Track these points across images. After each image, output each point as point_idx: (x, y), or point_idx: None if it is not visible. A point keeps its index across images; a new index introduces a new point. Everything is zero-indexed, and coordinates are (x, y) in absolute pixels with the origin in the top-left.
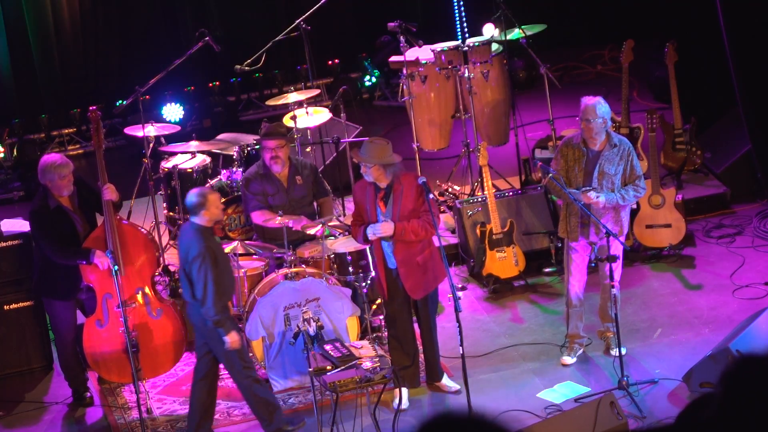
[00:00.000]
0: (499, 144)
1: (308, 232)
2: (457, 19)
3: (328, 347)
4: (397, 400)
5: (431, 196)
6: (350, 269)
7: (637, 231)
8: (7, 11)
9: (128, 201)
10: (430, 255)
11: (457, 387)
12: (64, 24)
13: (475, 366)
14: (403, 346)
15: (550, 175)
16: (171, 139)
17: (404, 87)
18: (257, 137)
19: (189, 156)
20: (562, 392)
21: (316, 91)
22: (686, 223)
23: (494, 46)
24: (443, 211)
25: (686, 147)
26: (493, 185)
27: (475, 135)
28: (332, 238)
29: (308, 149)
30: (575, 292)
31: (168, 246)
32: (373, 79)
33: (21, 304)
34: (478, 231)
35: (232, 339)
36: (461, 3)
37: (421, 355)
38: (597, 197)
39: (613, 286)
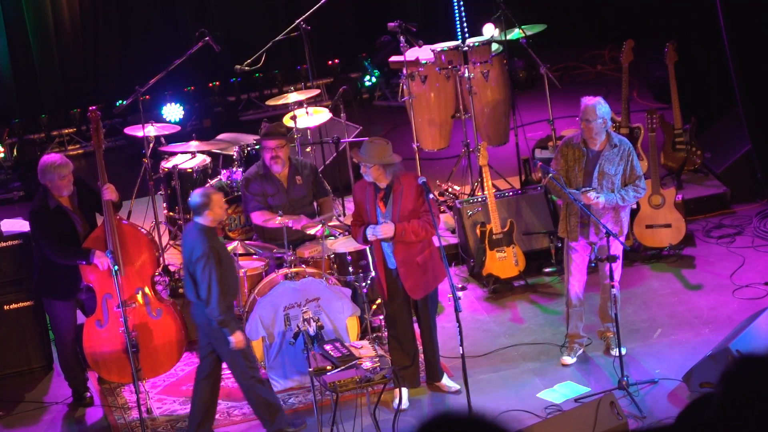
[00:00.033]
0: (499, 144)
1: (308, 232)
2: (457, 19)
3: (328, 347)
4: (397, 400)
5: (431, 196)
6: (350, 269)
7: (637, 231)
8: (7, 11)
9: (128, 201)
10: (430, 255)
11: (457, 387)
12: (64, 24)
13: (475, 366)
14: (402, 346)
15: (550, 175)
16: (171, 139)
17: (404, 87)
18: (257, 137)
19: (189, 156)
20: (562, 392)
21: (316, 91)
22: (686, 223)
23: (494, 46)
24: (443, 211)
25: (686, 147)
26: (493, 185)
27: (475, 135)
28: (332, 238)
29: (308, 149)
30: (575, 292)
31: (168, 246)
32: (373, 79)
33: (21, 304)
34: (478, 231)
35: (237, 339)
36: (461, 3)
37: (421, 355)
38: (597, 198)
39: (613, 286)
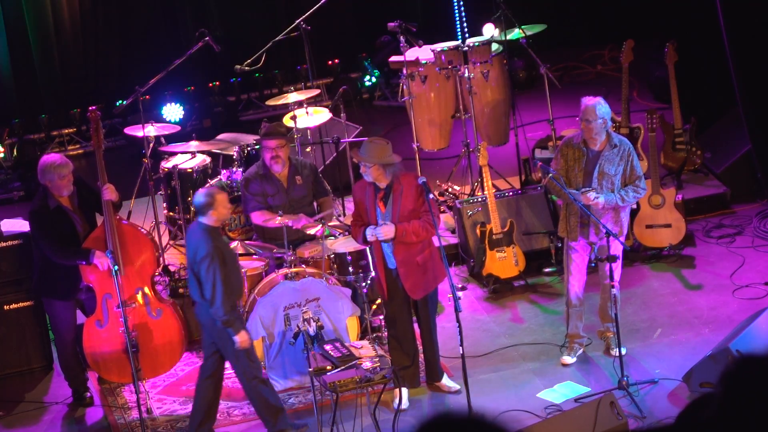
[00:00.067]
0: (499, 144)
1: (308, 232)
2: (457, 19)
3: (328, 347)
4: (397, 400)
5: (431, 196)
6: (350, 269)
7: (637, 231)
8: (7, 11)
9: (128, 201)
10: (429, 255)
11: (457, 387)
12: (64, 24)
13: (475, 366)
14: (402, 346)
15: (550, 175)
16: (171, 139)
17: (404, 87)
18: (257, 137)
19: (189, 156)
20: (562, 392)
21: (316, 91)
22: (686, 223)
23: (494, 46)
24: (443, 211)
25: (686, 147)
26: (493, 185)
27: (475, 135)
28: (332, 238)
29: (308, 149)
30: (575, 291)
31: (168, 246)
32: (373, 79)
33: (21, 304)
34: (478, 231)
35: (241, 338)
36: (461, 3)
37: (421, 355)
38: (596, 198)
39: (613, 286)
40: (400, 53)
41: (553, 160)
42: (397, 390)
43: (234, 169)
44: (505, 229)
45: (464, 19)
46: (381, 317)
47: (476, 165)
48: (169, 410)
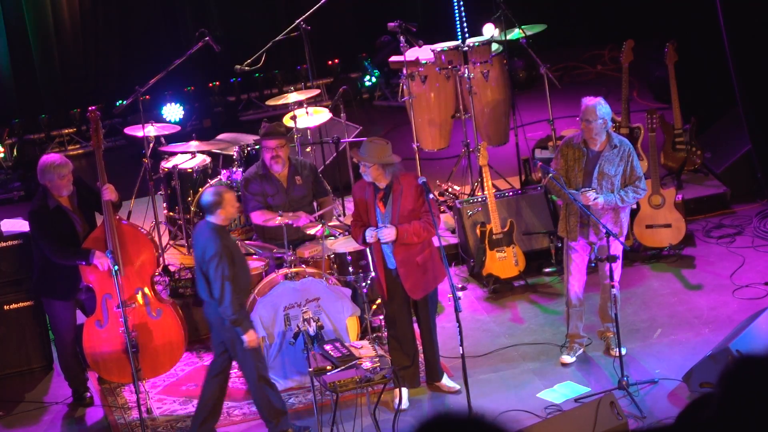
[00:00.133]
0: (499, 144)
1: (308, 232)
2: (457, 19)
3: (328, 347)
4: (397, 400)
5: (431, 196)
6: (350, 269)
7: (637, 231)
8: (7, 11)
9: (128, 201)
10: (429, 255)
11: (457, 387)
12: (64, 24)
13: (475, 366)
14: (402, 346)
15: (550, 175)
16: (171, 139)
17: (404, 87)
18: (257, 137)
19: (189, 156)
20: (562, 392)
21: (316, 91)
22: (686, 223)
23: (494, 46)
24: (443, 211)
25: (686, 147)
26: (493, 185)
27: (475, 135)
28: (332, 238)
29: (308, 149)
30: (575, 291)
31: (168, 246)
32: (373, 79)
33: (21, 304)
34: (478, 231)
35: (249, 338)
36: (461, 3)
37: (421, 355)
38: (596, 198)
39: (613, 286)
40: (400, 53)
41: (553, 160)
42: (397, 390)
43: (234, 169)
44: (505, 229)
45: (464, 19)
46: (381, 317)
47: (476, 165)
48: (169, 410)
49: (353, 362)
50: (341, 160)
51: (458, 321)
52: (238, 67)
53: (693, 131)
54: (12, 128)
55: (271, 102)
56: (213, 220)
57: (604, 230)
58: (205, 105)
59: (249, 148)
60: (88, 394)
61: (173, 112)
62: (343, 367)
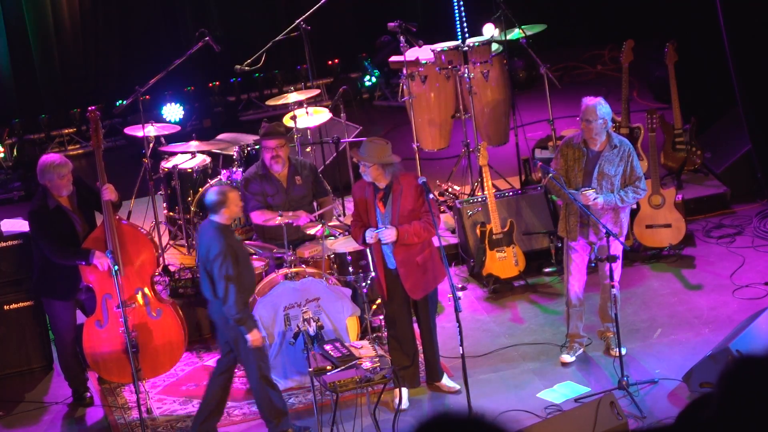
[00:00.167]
0: (499, 144)
1: (308, 232)
2: (457, 19)
3: (328, 347)
4: (397, 400)
5: (431, 196)
6: (350, 269)
7: (637, 231)
8: (7, 11)
9: (128, 201)
10: (429, 255)
11: (457, 387)
12: (64, 24)
13: (475, 366)
14: (402, 346)
15: (550, 174)
16: (171, 139)
17: (404, 87)
18: (257, 137)
19: (189, 156)
20: (562, 392)
21: (316, 91)
22: (686, 223)
23: (494, 46)
24: (443, 211)
25: (686, 147)
26: (493, 185)
27: (475, 135)
28: (332, 238)
29: (308, 149)
30: (575, 291)
31: (168, 246)
32: (373, 79)
33: (21, 304)
34: (478, 231)
35: (253, 337)
36: (461, 3)
37: (421, 355)
38: (595, 198)
39: (613, 286)
40: (400, 53)
41: (553, 160)
42: (397, 390)
43: (234, 169)
44: (505, 229)
45: (464, 19)
46: (381, 317)
47: (476, 165)
48: (169, 410)
49: (353, 362)
50: (341, 160)
51: (458, 321)
52: (238, 67)
53: (693, 131)
54: (12, 128)
55: (271, 102)
56: (217, 220)
57: (604, 230)
58: (205, 105)
59: (249, 148)
60: (88, 394)
61: (173, 112)
62: (343, 367)
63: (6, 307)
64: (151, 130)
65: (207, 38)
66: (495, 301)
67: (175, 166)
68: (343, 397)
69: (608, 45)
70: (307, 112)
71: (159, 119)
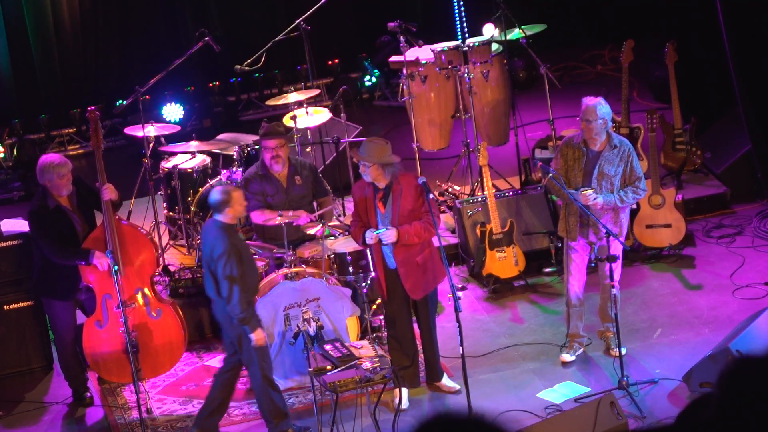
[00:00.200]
0: (499, 144)
1: (308, 232)
2: (457, 19)
3: (328, 347)
4: (397, 400)
5: (431, 196)
6: (350, 269)
7: (637, 231)
8: (7, 11)
9: (128, 201)
10: (429, 255)
11: (457, 387)
12: (64, 24)
13: (475, 366)
14: (402, 346)
15: (550, 174)
16: (171, 139)
17: (404, 87)
18: (257, 137)
19: (189, 156)
20: (562, 392)
21: (316, 91)
22: (686, 223)
23: (494, 46)
24: (443, 211)
25: (686, 147)
26: (493, 185)
27: (475, 135)
28: (332, 238)
29: (308, 149)
30: (575, 291)
31: (168, 246)
32: (373, 79)
33: (21, 304)
34: (478, 231)
35: (257, 336)
36: (461, 3)
37: (421, 355)
38: (595, 199)
39: (613, 286)
40: (400, 53)
41: (553, 160)
42: (397, 390)
43: (234, 169)
44: (505, 229)
45: (464, 19)
46: (381, 317)
47: (476, 165)
48: (169, 410)
49: (353, 362)
50: (341, 160)
51: (458, 321)
52: (238, 67)
53: (693, 131)
54: (12, 128)
55: (271, 102)
56: (221, 219)
57: (604, 230)
58: (205, 105)
59: (249, 148)
60: (88, 394)
61: (173, 112)
62: (343, 367)
63: (6, 307)
64: (151, 130)
65: (207, 38)
66: (495, 301)
67: (175, 166)
68: (343, 397)
69: (608, 45)
70: (307, 112)
71: (159, 119)
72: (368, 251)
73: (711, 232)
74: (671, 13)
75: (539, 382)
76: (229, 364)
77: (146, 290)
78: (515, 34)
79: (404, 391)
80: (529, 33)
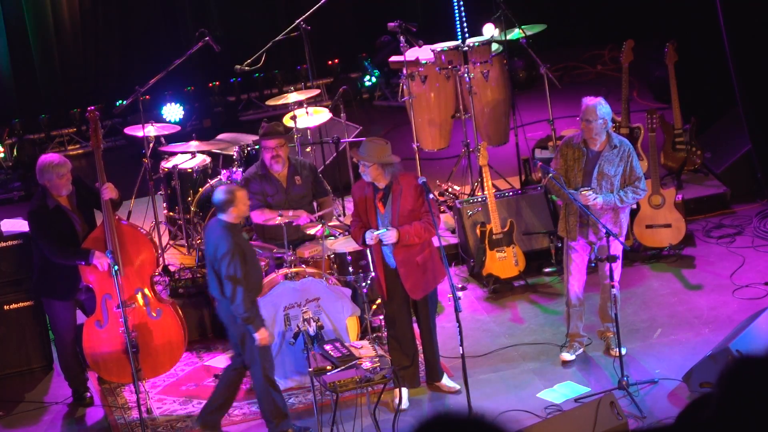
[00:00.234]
0: (499, 144)
1: (308, 232)
2: (457, 19)
3: (328, 347)
4: (397, 400)
5: (431, 196)
6: (350, 269)
7: (637, 231)
8: (7, 11)
9: (128, 201)
10: (429, 255)
11: (457, 387)
12: (64, 24)
13: (475, 366)
14: (402, 346)
15: (550, 174)
16: (171, 139)
17: (404, 87)
18: (257, 137)
19: (189, 156)
20: (562, 392)
21: (316, 91)
22: (686, 223)
23: (494, 46)
24: (443, 211)
25: (686, 147)
26: (493, 185)
27: (475, 135)
28: (332, 238)
29: (308, 149)
30: (575, 291)
31: (168, 246)
32: (373, 79)
33: (21, 304)
34: (478, 231)
35: (261, 336)
36: (461, 3)
37: (421, 355)
38: (595, 199)
39: (613, 286)
40: (400, 53)
41: (553, 160)
42: (397, 390)
43: (234, 169)
44: (505, 229)
45: (464, 19)
46: (381, 317)
47: (476, 165)
48: (169, 410)
49: (353, 362)
50: (341, 160)
51: (458, 321)
52: (238, 67)
53: (693, 131)
54: (12, 128)
55: (271, 102)
56: (225, 218)
57: (604, 230)
58: (205, 105)
59: (249, 148)
60: (88, 394)
61: (173, 112)
62: (343, 367)
63: (6, 307)
64: (151, 130)
65: (207, 38)
66: (495, 301)
67: (175, 166)
68: (343, 397)
69: (608, 45)
70: (307, 112)
71: (159, 119)
72: (368, 251)
73: (711, 232)
74: (671, 13)
75: (539, 382)
76: (237, 363)
77: (146, 290)
78: (515, 34)
79: (404, 391)
80: (529, 33)
